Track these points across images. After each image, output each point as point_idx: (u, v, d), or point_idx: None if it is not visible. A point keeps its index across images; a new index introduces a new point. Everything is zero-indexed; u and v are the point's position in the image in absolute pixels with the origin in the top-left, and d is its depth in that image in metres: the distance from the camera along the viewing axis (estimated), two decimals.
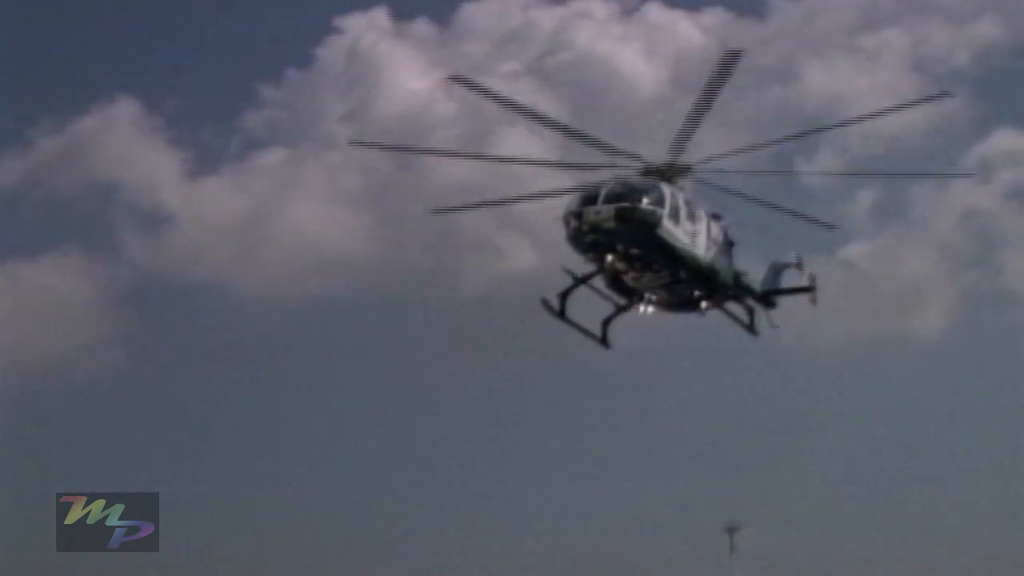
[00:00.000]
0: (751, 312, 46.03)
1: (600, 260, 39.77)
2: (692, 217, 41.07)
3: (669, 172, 41.57)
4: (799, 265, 50.18)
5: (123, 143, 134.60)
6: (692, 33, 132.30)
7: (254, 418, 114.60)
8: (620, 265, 39.94)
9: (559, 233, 41.14)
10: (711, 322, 48.42)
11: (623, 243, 38.70)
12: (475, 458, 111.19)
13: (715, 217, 43.76)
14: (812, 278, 49.81)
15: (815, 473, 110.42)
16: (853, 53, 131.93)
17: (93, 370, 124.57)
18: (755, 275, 48.86)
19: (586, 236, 38.38)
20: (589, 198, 38.58)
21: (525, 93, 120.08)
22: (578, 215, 38.23)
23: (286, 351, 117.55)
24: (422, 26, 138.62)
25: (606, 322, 44.04)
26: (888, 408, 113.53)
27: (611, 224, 37.95)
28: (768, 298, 48.80)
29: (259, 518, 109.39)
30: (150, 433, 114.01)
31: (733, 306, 46.24)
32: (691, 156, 42.58)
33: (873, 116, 49.17)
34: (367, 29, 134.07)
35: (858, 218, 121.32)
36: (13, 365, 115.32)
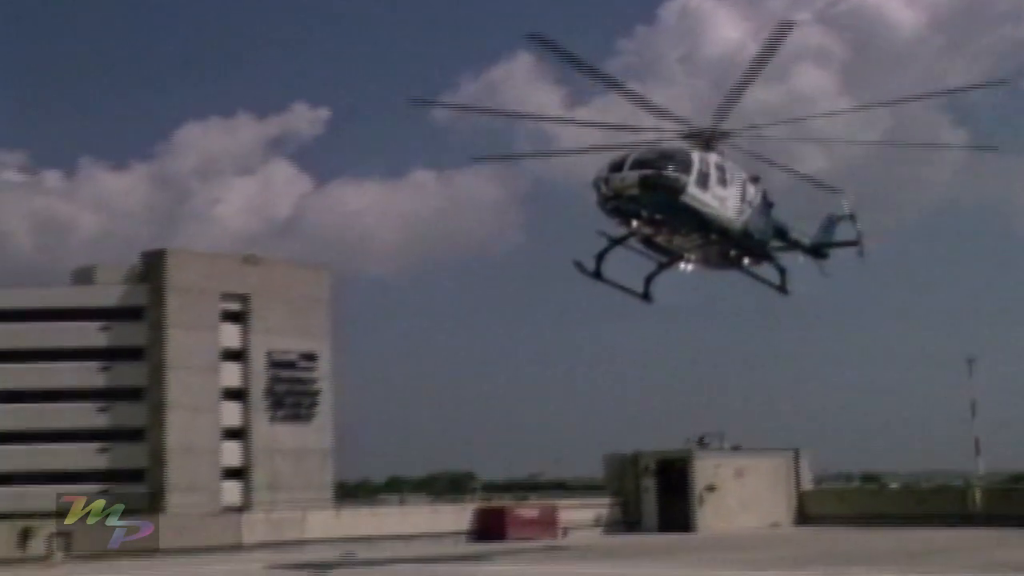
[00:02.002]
0: (782, 272, 44.55)
1: (627, 224, 39.22)
2: (724, 181, 39.69)
3: (710, 136, 40.25)
4: (852, 217, 49.57)
5: (521, 84, 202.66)
6: None
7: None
8: (647, 229, 39.48)
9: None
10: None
11: (647, 209, 37.96)
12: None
13: (754, 180, 42.29)
14: (860, 233, 49.33)
15: None
16: None
17: (504, 247, 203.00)
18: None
19: (611, 202, 37.73)
20: (617, 164, 37.72)
21: (815, 37, 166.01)
22: (605, 181, 37.51)
23: None
24: None
25: (648, 279, 43.41)
26: None
27: (635, 191, 37.15)
28: (819, 250, 48.86)
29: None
30: (545, 289, 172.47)
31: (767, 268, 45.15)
32: (735, 122, 40.83)
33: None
34: None
35: None
36: (452, 243, 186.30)
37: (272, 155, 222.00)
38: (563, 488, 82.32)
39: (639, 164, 37.16)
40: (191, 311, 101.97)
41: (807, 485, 62.40)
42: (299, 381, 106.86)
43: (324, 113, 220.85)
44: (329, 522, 52.01)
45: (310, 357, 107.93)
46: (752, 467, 59.97)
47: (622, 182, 36.84)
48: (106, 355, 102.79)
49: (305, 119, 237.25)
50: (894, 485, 79.14)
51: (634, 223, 38.65)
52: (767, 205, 43.19)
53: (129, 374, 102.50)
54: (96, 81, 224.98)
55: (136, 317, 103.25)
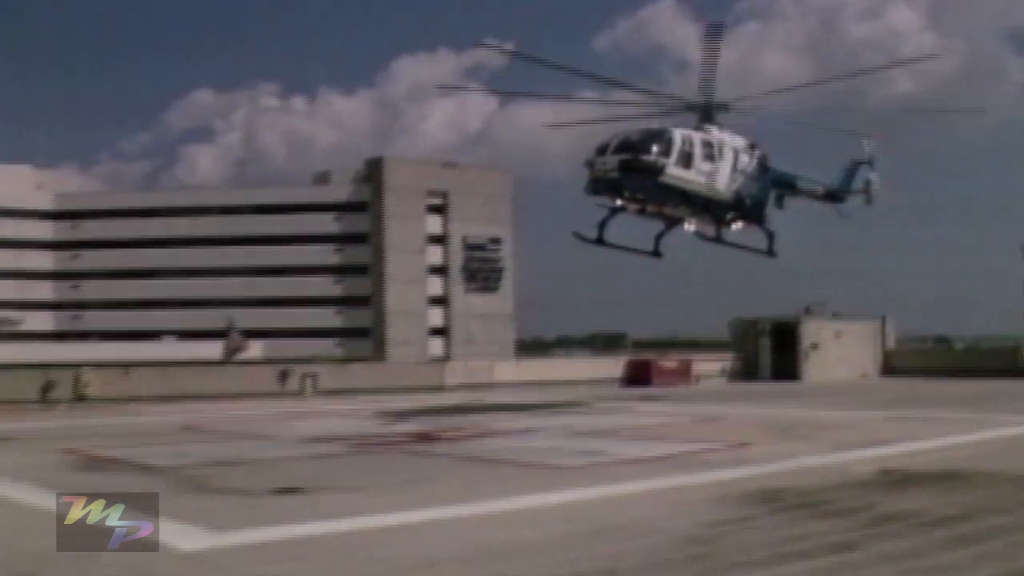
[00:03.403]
0: (771, 237, 37.73)
1: (613, 201, 34.02)
2: (711, 156, 34.12)
3: (707, 110, 34.96)
4: (870, 163, 43.11)
5: (666, 24, 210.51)
6: None
7: None
8: (635, 205, 34.32)
9: None
10: None
11: (628, 191, 33.03)
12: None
13: (750, 147, 36.27)
14: (868, 182, 43.08)
15: None
16: None
17: None
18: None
19: (595, 184, 32.74)
20: (602, 148, 32.72)
21: None
22: (591, 164, 32.56)
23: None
24: None
25: (657, 237, 37.29)
26: None
27: (615, 174, 32.19)
28: (833, 196, 42.48)
29: None
30: None
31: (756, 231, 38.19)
32: (728, 94, 35.43)
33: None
34: None
35: None
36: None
37: (467, 81, 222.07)
38: (696, 345, 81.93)
39: (620, 148, 32.37)
40: (403, 205, 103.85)
41: (891, 345, 61.99)
42: (488, 260, 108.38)
43: (508, 47, 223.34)
44: (511, 369, 52.93)
45: (496, 241, 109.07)
46: (847, 330, 59.70)
47: (604, 166, 32.22)
48: (339, 239, 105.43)
49: (493, 52, 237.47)
50: (960, 345, 77.69)
51: (618, 202, 33.92)
52: (763, 170, 37.15)
53: (357, 254, 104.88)
54: (330, 23, 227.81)
55: (361, 210, 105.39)
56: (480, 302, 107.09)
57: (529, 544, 10.91)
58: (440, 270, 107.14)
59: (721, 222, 36.26)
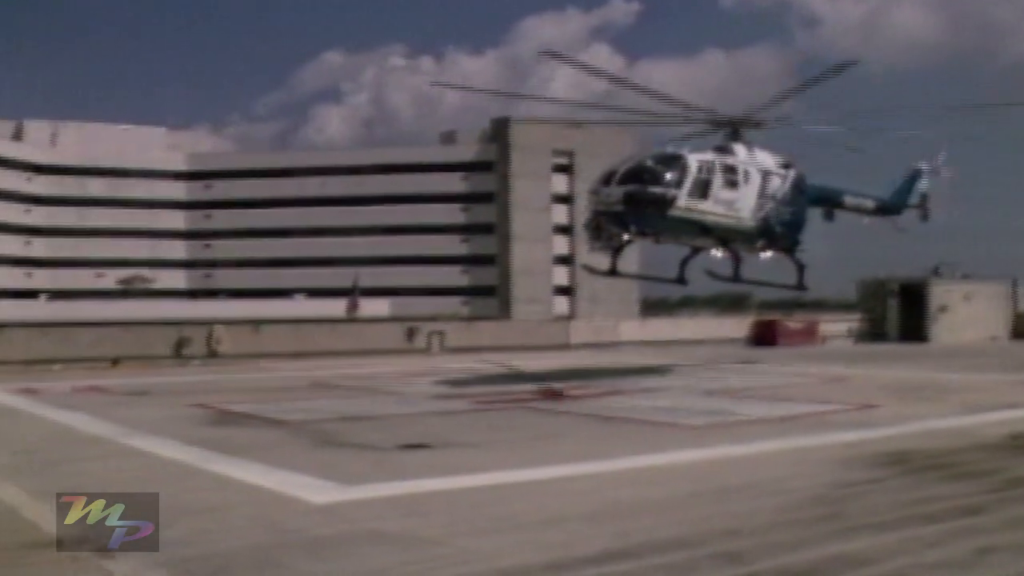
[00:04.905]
0: (801, 269, 33.43)
1: (620, 236, 30.17)
2: (734, 182, 30.24)
3: (738, 126, 31.70)
4: (935, 171, 40.88)
5: None
6: None
7: None
8: (646, 238, 30.69)
9: None
10: None
11: (635, 225, 29.01)
12: None
13: (784, 167, 32.35)
14: (924, 196, 40.25)
15: None
16: None
17: (776, 110, 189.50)
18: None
19: (599, 217, 29.09)
20: (607, 176, 29.10)
21: None
22: (595, 193, 29.17)
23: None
24: None
25: (682, 263, 33.48)
26: None
27: (620, 207, 28.28)
28: (887, 210, 38.83)
29: None
30: (810, 148, 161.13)
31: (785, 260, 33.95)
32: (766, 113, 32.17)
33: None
34: None
35: None
36: (733, 106, 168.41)
37: (594, 40, 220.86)
38: (822, 306, 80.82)
39: (626, 178, 28.49)
40: (529, 164, 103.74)
41: (1022, 307, 60.84)
42: None
43: (636, 6, 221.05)
44: (635, 328, 53.03)
45: None
46: (977, 292, 58.73)
47: (608, 197, 28.50)
48: (466, 199, 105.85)
49: (620, 11, 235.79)
50: None
51: (624, 237, 30.15)
52: (798, 192, 32.85)
53: (483, 213, 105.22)
54: None
55: (488, 169, 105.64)
56: (605, 261, 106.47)
57: (655, 502, 10.99)
58: (565, 229, 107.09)
59: (742, 256, 32.47)
